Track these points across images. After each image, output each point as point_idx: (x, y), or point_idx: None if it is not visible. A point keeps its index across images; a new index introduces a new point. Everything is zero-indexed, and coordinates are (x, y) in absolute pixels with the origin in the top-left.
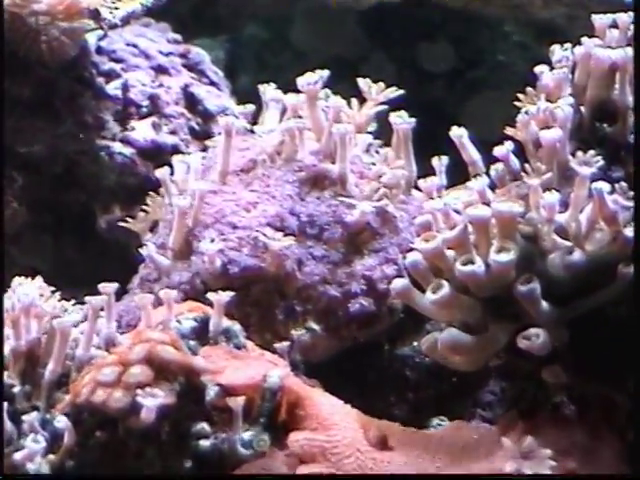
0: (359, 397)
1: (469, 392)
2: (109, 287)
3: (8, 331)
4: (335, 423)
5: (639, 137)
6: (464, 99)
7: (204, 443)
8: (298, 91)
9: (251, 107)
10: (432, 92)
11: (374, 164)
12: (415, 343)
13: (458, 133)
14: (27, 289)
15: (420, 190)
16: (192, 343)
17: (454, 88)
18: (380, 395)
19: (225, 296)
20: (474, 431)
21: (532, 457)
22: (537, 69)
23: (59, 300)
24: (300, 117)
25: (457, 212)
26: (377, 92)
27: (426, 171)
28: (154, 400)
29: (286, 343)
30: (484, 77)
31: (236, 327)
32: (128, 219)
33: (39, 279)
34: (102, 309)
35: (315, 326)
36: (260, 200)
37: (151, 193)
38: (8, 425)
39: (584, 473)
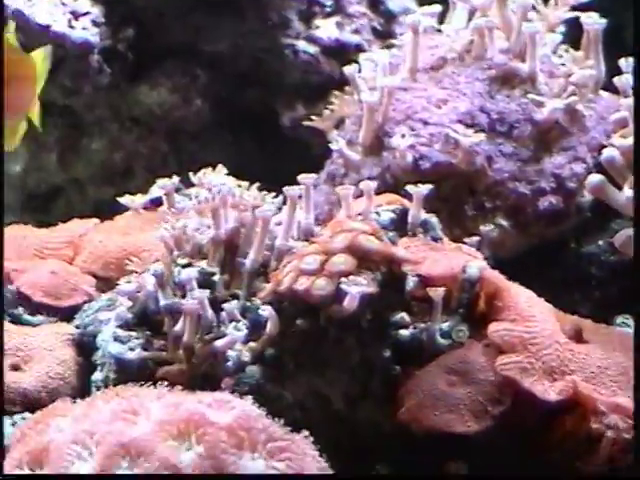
0: (544, 294)
1: None
2: (308, 178)
3: (207, 221)
4: (533, 315)
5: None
6: None
7: (404, 332)
8: None
9: (437, 7)
10: None
11: (563, 64)
12: (601, 242)
13: None
14: (224, 179)
15: (608, 91)
16: (391, 234)
17: None
18: (565, 293)
19: (424, 188)
20: None
21: None
22: None
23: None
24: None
25: None
26: None
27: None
28: (357, 288)
29: (475, 238)
30: None
31: (434, 219)
32: (312, 117)
33: (223, 169)
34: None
35: (504, 222)
36: (450, 97)
37: (336, 91)
38: (209, 313)
39: None
